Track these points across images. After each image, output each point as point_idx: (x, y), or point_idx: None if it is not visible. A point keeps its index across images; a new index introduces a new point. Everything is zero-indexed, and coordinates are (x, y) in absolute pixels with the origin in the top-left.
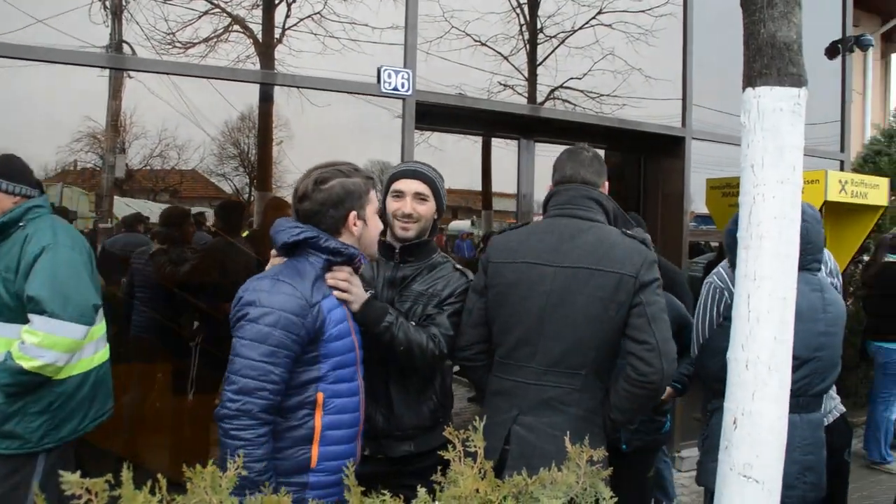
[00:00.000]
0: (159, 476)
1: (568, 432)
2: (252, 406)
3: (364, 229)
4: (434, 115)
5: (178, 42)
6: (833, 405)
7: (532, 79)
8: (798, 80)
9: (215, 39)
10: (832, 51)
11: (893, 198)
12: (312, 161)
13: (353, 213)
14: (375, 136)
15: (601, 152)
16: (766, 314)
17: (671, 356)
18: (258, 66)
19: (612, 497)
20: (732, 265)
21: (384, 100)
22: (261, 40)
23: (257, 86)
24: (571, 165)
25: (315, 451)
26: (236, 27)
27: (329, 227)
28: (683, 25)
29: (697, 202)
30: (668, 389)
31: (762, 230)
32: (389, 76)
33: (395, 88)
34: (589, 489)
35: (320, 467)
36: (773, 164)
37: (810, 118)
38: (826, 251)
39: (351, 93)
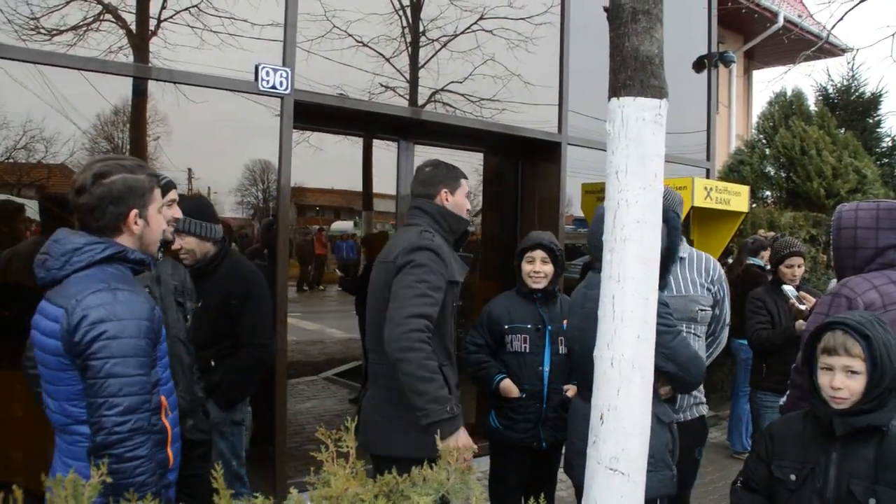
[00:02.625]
0: (14, 487)
1: (388, 402)
2: (142, 422)
3: (145, 228)
4: (314, 114)
5: (43, 28)
6: (691, 402)
7: (413, 81)
8: (659, 92)
9: (85, 28)
10: (699, 65)
11: (754, 205)
12: (190, 158)
13: (135, 212)
14: (253, 134)
15: (479, 155)
16: (629, 314)
17: (392, 322)
18: (131, 59)
19: (481, 493)
20: (594, 265)
21: (263, 98)
22: (134, 31)
23: (130, 79)
24: (412, 183)
25: (170, 451)
26: (108, 16)
27: (107, 224)
28: (561, 34)
29: (574, 206)
30: (575, 388)
31: (626, 234)
32: (268, 74)
33: (274, 87)
34: (460, 485)
35: (174, 465)
36: (636, 171)
37: (680, 128)
38: (714, 261)
39: (228, 90)
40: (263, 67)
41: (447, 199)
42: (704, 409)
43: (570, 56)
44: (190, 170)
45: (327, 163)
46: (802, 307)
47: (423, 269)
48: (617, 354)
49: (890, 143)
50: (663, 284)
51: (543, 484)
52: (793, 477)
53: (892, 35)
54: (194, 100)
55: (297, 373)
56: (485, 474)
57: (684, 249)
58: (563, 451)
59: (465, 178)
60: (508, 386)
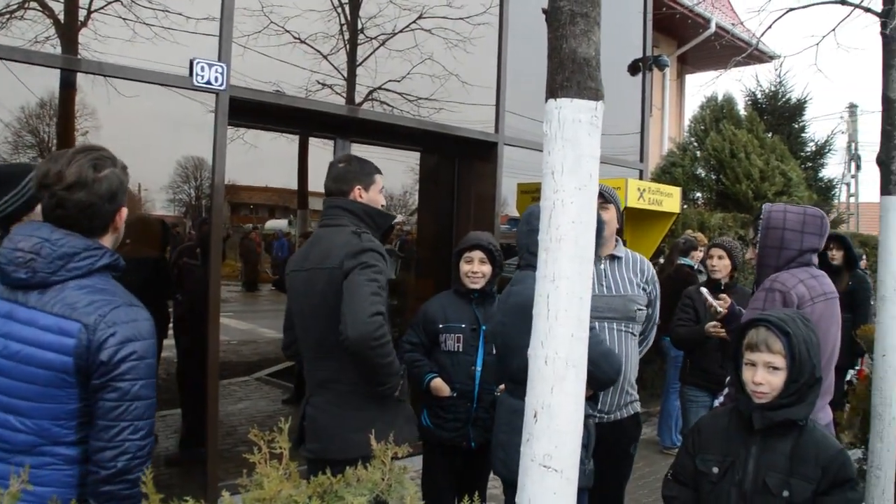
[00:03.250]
0: None
1: (340, 406)
2: (152, 443)
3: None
4: (249, 111)
5: None
6: (625, 401)
7: (351, 79)
8: (596, 94)
9: (9, 16)
10: (634, 68)
11: (686, 206)
12: (120, 154)
13: (125, 210)
14: (187, 130)
15: (416, 154)
16: (563, 313)
17: (358, 319)
18: (59, 50)
19: (416, 492)
20: (522, 264)
21: (197, 93)
22: (63, 21)
23: (58, 71)
24: (326, 181)
25: None
26: (34, 4)
27: (100, 223)
28: (499, 34)
29: (510, 205)
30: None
31: (561, 233)
32: (202, 69)
33: (209, 82)
34: (395, 486)
35: None
36: (571, 172)
37: (615, 130)
38: (647, 262)
39: (161, 84)
40: (198, 62)
41: (361, 196)
42: (637, 407)
43: (508, 57)
44: None
45: (263, 160)
46: (719, 309)
47: (372, 269)
48: (551, 353)
49: (814, 148)
50: None
51: (475, 483)
52: (715, 470)
53: (816, 44)
54: (126, 94)
55: (229, 373)
56: (419, 473)
57: (620, 250)
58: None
59: (380, 172)
60: (439, 385)
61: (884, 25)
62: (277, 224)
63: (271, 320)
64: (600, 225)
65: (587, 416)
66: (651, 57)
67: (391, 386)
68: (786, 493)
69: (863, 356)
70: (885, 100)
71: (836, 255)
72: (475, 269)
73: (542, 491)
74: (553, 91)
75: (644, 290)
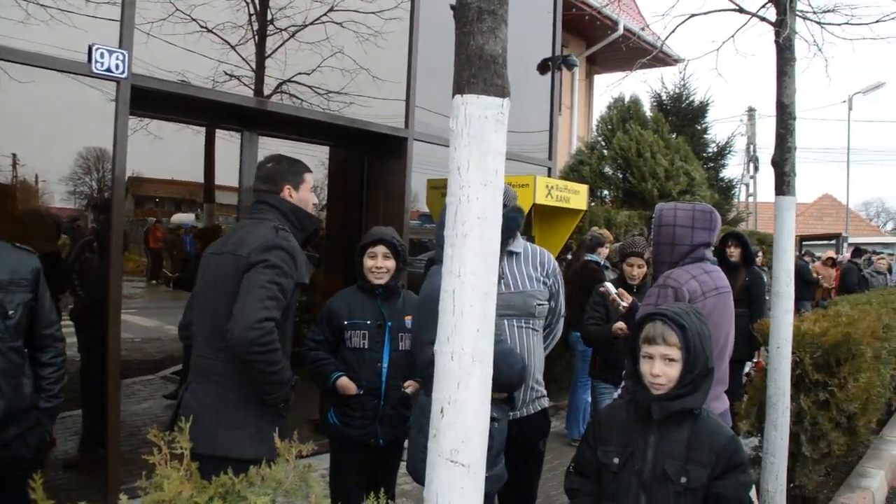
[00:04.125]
0: None
1: (217, 400)
2: None
3: None
4: (153, 100)
5: None
6: (533, 397)
7: (259, 71)
8: (502, 91)
9: None
10: (543, 67)
11: (593, 203)
12: (14, 143)
13: None
14: (86, 119)
15: (325, 149)
16: (469, 308)
17: (245, 323)
18: None
19: (322, 491)
20: (440, 260)
21: (97, 81)
22: None
23: None
24: (255, 181)
25: None
26: None
27: None
28: (410, 29)
29: (420, 201)
30: (416, 385)
31: (466, 229)
32: (102, 56)
33: (109, 69)
34: (299, 483)
35: None
36: (477, 168)
37: (524, 127)
38: (548, 254)
39: (58, 70)
40: (98, 48)
41: (291, 196)
42: (545, 402)
43: (419, 52)
44: (14, 155)
45: (167, 152)
46: (622, 305)
47: (275, 271)
48: (457, 348)
49: (715, 149)
50: None
51: (384, 480)
52: (616, 460)
53: (717, 50)
54: (19, 79)
55: (132, 372)
56: (327, 472)
57: (518, 245)
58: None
59: (309, 171)
60: (345, 384)
61: (777, 34)
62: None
63: (178, 317)
64: (513, 222)
65: (493, 420)
66: (560, 56)
67: (278, 396)
68: (683, 480)
69: (759, 349)
70: (780, 105)
71: (735, 253)
72: (378, 265)
73: (450, 486)
74: (460, 87)
75: (545, 283)
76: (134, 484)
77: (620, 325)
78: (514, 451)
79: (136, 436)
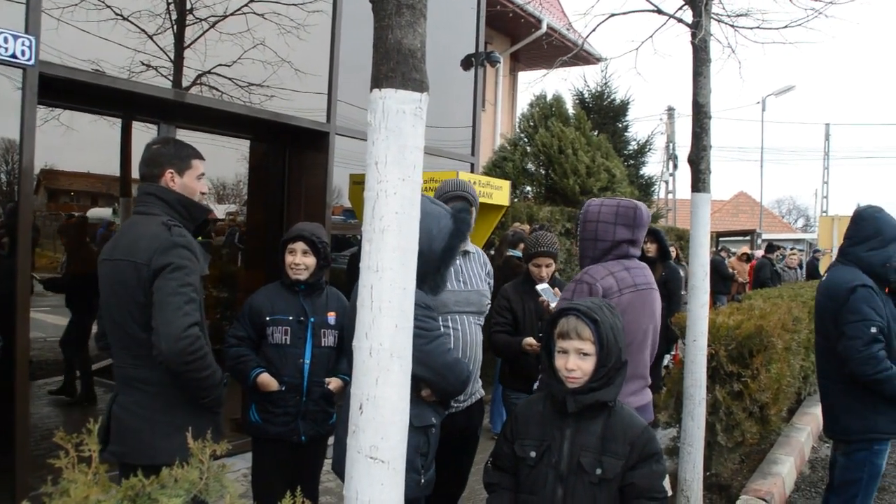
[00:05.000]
0: None
1: (147, 408)
2: None
3: None
4: (64, 90)
5: None
6: (475, 388)
7: (178, 61)
8: (420, 86)
9: None
10: (466, 63)
11: (516, 199)
12: None
13: None
14: None
15: (245, 142)
16: (387, 304)
17: (171, 336)
18: None
19: (236, 491)
20: None
21: (2, 67)
22: None
23: None
24: (139, 163)
25: None
26: None
27: None
28: (332, 22)
29: (343, 196)
30: (338, 381)
31: (384, 224)
32: (6, 41)
33: (14, 56)
34: (214, 484)
35: None
36: (395, 163)
37: (448, 123)
38: (484, 254)
39: None
40: (2, 33)
41: (173, 181)
42: (483, 392)
43: (341, 45)
44: None
45: (82, 144)
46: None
47: (183, 272)
48: (375, 344)
49: (636, 147)
50: (436, 287)
51: (307, 477)
52: (532, 454)
53: (636, 49)
54: None
55: (44, 373)
56: (250, 471)
57: (470, 246)
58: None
59: (200, 158)
60: (266, 380)
61: (693, 36)
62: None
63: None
64: (465, 224)
65: (430, 426)
66: (483, 53)
67: (213, 398)
68: (598, 471)
69: (676, 342)
70: (696, 104)
71: (650, 248)
72: (297, 261)
73: (369, 482)
74: (378, 81)
75: (488, 283)
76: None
77: (530, 340)
78: (458, 439)
79: (49, 439)
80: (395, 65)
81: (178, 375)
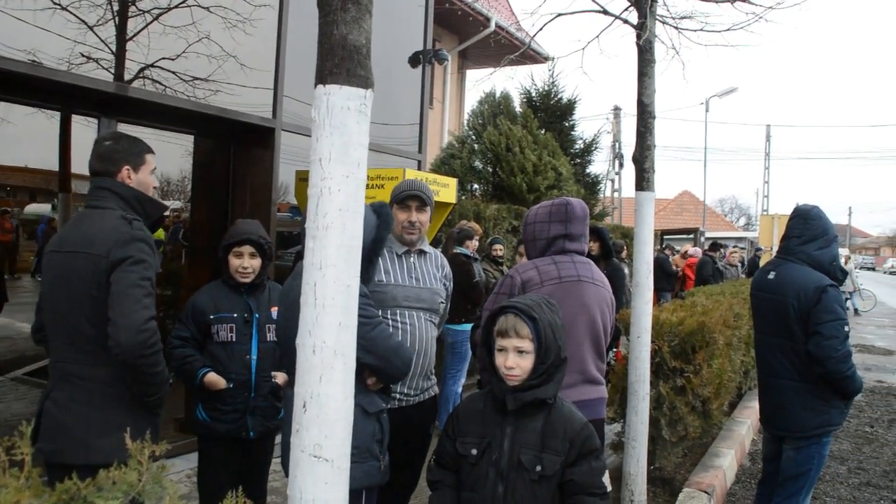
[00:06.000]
0: None
1: (85, 405)
2: None
3: None
4: (0, 81)
5: None
6: (428, 385)
7: (120, 54)
8: (365, 82)
9: None
10: (414, 60)
11: (463, 197)
12: None
13: None
14: None
15: (190, 138)
16: (331, 301)
17: (131, 328)
18: None
19: (176, 492)
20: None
21: None
22: None
23: None
24: (91, 159)
25: None
26: None
27: None
28: (279, 17)
29: (289, 193)
30: (284, 375)
31: (328, 221)
32: None
33: None
34: (153, 485)
35: None
36: (339, 160)
37: (395, 120)
38: (444, 258)
39: None
40: None
41: (129, 177)
42: (436, 389)
43: (288, 40)
44: None
45: (17, 138)
46: None
47: (142, 266)
48: (318, 342)
49: (582, 146)
50: (368, 278)
51: (256, 474)
52: (473, 451)
53: (582, 49)
54: None
55: None
56: (194, 471)
57: (427, 246)
58: (279, 441)
59: (151, 153)
60: (213, 379)
61: (638, 37)
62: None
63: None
64: (387, 218)
65: (380, 412)
66: (431, 50)
67: (158, 397)
68: (538, 468)
69: (619, 339)
70: (640, 104)
71: (593, 247)
72: (245, 265)
73: (313, 481)
74: (322, 77)
75: (444, 285)
76: None
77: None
78: (411, 435)
79: None
80: (340, 61)
81: (132, 368)
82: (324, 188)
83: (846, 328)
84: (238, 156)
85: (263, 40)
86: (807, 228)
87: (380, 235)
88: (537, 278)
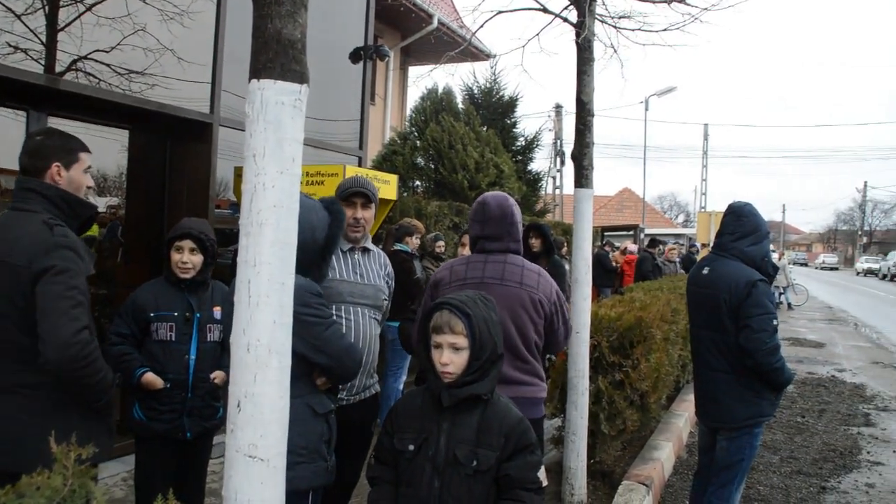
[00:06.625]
0: None
1: (25, 413)
2: None
3: None
4: None
5: None
6: (370, 383)
7: (51, 45)
8: (301, 77)
9: None
10: (355, 56)
11: (405, 193)
12: None
13: None
14: None
15: (125, 133)
16: (265, 299)
17: (59, 342)
18: None
19: (102, 496)
20: None
21: None
22: None
23: None
24: (20, 155)
25: None
26: None
27: None
28: (217, 10)
29: (229, 190)
30: (223, 374)
31: (262, 218)
32: None
33: None
34: (79, 490)
35: None
36: (273, 155)
37: (335, 116)
38: (386, 257)
39: None
40: None
41: (60, 175)
42: (378, 387)
43: (226, 34)
44: None
45: None
46: None
47: (67, 275)
48: (253, 340)
49: (523, 143)
50: (321, 276)
51: (193, 476)
52: (411, 447)
53: (522, 47)
54: None
55: None
56: (130, 474)
57: (370, 244)
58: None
59: (86, 151)
60: (151, 379)
61: (578, 35)
62: None
63: None
64: (340, 215)
65: (328, 412)
66: (372, 46)
67: (105, 401)
68: (474, 463)
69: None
70: (579, 102)
71: (535, 243)
72: (185, 259)
73: (249, 481)
74: (256, 72)
75: (387, 283)
76: None
77: None
78: (353, 433)
79: None
80: (274, 55)
81: (69, 383)
82: (257, 184)
83: (775, 322)
84: (175, 151)
85: (201, 33)
86: (739, 225)
87: (333, 233)
88: (447, 279)
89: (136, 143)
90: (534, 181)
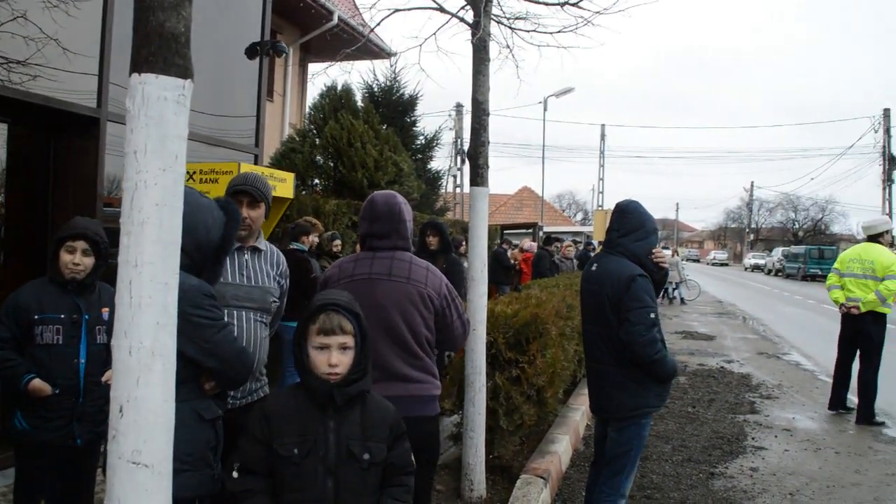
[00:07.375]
0: None
1: None
2: None
3: None
4: None
5: None
6: (257, 386)
7: None
8: (185, 72)
9: None
10: (251, 52)
11: (304, 191)
12: None
13: None
14: None
15: (3, 126)
16: (148, 300)
17: None
18: None
19: None
20: None
21: None
22: None
23: None
24: None
25: None
26: None
27: None
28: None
29: (119, 187)
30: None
31: (144, 217)
32: None
33: None
34: None
35: None
36: (155, 152)
37: (231, 113)
38: (282, 255)
39: None
40: None
41: None
42: (267, 389)
43: (115, 25)
44: None
45: None
46: None
47: None
48: (135, 343)
49: (423, 142)
50: (215, 278)
51: (80, 486)
52: (296, 451)
53: (419, 45)
54: None
55: None
56: (9, 489)
57: (262, 243)
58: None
59: None
60: (38, 386)
61: (473, 35)
62: None
63: None
64: (235, 214)
65: (216, 418)
66: (269, 42)
67: None
68: (367, 456)
69: None
70: (475, 101)
71: (433, 241)
72: (76, 261)
73: (133, 489)
74: (137, 66)
75: (279, 283)
76: None
77: None
78: (235, 440)
79: None
80: (157, 49)
81: None
82: (139, 182)
83: (652, 315)
84: (60, 146)
85: (87, 23)
86: (624, 222)
87: (228, 233)
88: (336, 275)
89: (15, 137)
90: (434, 180)
